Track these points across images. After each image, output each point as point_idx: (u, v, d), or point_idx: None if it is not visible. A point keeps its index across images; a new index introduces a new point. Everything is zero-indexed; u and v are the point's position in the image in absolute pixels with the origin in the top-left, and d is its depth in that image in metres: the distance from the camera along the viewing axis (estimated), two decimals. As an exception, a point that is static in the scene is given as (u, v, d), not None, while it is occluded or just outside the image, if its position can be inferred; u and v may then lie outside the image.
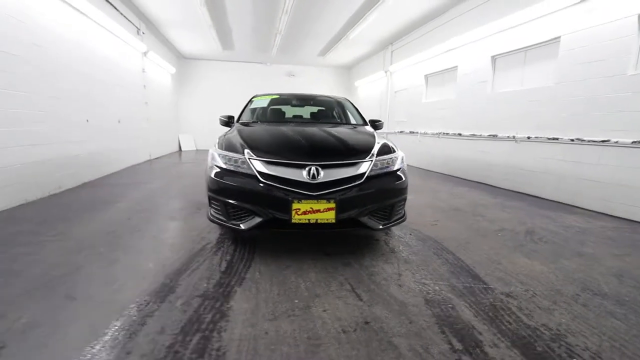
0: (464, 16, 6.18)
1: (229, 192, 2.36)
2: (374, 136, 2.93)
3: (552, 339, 1.54)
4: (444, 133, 7.00)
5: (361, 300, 1.87)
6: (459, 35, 6.26)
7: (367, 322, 1.65)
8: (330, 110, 4.11)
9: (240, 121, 3.65)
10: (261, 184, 2.29)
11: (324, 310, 1.75)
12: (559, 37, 4.49)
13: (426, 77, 7.87)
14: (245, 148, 2.50)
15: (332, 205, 2.23)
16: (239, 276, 2.11)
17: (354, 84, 12.24)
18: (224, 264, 2.28)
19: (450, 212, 3.89)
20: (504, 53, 5.50)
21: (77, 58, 4.79)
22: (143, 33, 7.21)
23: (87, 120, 5.06)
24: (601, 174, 3.99)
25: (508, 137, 5.32)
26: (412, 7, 6.59)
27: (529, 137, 4.95)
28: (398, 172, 2.58)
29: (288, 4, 6.26)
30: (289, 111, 4.10)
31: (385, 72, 9.68)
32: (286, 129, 3.00)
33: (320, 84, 12.73)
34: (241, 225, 2.33)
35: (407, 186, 2.61)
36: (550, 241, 2.92)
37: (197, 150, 11.68)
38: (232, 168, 2.44)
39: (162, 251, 2.47)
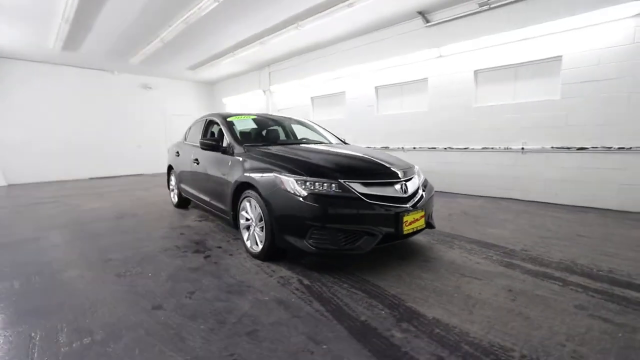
0: (350, 51, 7.56)
1: (338, 217, 2.33)
2: None
3: (572, 264, 2.66)
4: (338, 147, 8.19)
5: (479, 279, 2.43)
6: (346, 67, 7.61)
7: (510, 290, 2.25)
8: (313, 131, 4.26)
9: (244, 144, 3.27)
10: (368, 205, 2.40)
11: (479, 293, 2.20)
12: (427, 78, 6.48)
13: (312, 98, 8.90)
14: (334, 172, 2.50)
15: (423, 213, 2.66)
16: (383, 293, 2.18)
17: (222, 100, 11.82)
18: (360, 293, 2.23)
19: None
20: (385, 85, 7.21)
21: None
22: None
23: None
24: (465, 170, 6.11)
25: (398, 148, 7.02)
26: (303, 39, 7.39)
27: (414, 147, 6.77)
28: (428, 182, 3.25)
29: (192, 15, 5.67)
30: (281, 133, 3.98)
31: (264, 91, 10.06)
32: (335, 150, 3.15)
33: (180, 99, 11.50)
34: (359, 248, 2.36)
35: None
36: (480, 216, 4.39)
37: (9, 185, 7.89)
38: (325, 193, 2.39)
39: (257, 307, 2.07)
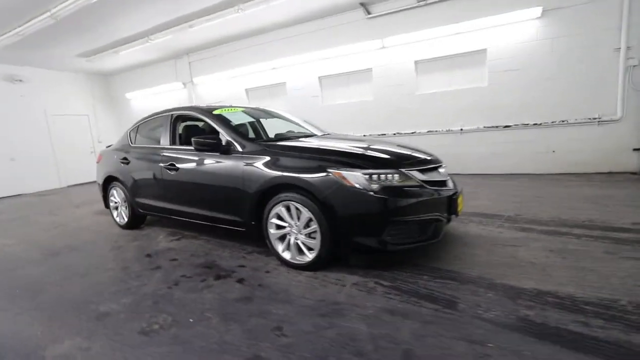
0: (290, 40, 7.23)
1: (412, 208, 2.22)
2: None
3: (562, 220, 3.21)
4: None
5: (518, 246, 2.69)
6: (286, 56, 7.28)
7: (551, 250, 2.55)
8: (295, 124, 3.89)
9: (258, 141, 2.79)
10: (431, 191, 2.36)
11: (535, 258, 2.43)
12: (371, 68, 6.73)
13: (247, 90, 8.23)
14: (392, 162, 2.35)
15: (462, 193, 2.76)
16: (468, 277, 2.20)
17: (125, 95, 9.81)
18: (450, 282, 2.17)
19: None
20: (329, 75, 7.18)
21: None
22: None
23: None
24: (413, 153, 6.67)
25: (348, 137, 7.16)
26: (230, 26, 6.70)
27: (364, 135, 7.01)
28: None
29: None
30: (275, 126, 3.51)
31: (185, 83, 8.81)
32: (361, 139, 2.98)
33: (66, 95, 9.06)
34: (434, 236, 2.31)
35: None
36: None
37: None
38: (394, 184, 2.25)
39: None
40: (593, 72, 5.18)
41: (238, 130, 2.93)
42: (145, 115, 4.10)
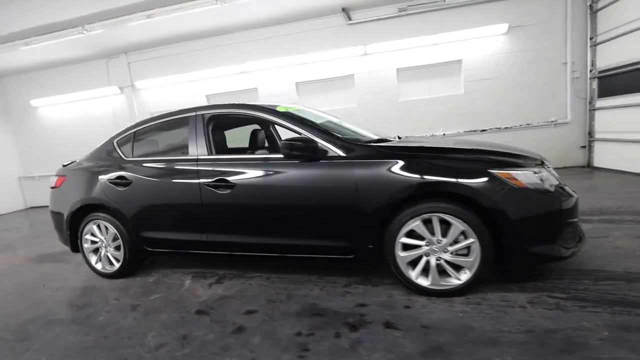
0: (264, 42, 6.58)
1: (574, 208, 2.04)
2: None
3: (604, 209, 3.50)
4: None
5: (603, 237, 2.78)
6: (259, 59, 6.61)
7: (637, 237, 2.68)
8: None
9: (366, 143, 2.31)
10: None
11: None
12: (353, 74, 6.59)
13: (209, 97, 7.17)
14: (537, 159, 2.15)
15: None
16: (620, 275, 2.11)
17: (30, 103, 7.47)
18: (617, 282, 2.02)
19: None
20: (308, 81, 6.78)
21: None
22: None
23: None
24: (398, 158, 6.73)
25: (331, 146, 6.83)
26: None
27: (349, 144, 6.79)
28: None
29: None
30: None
31: (122, 88, 7.21)
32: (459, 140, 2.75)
33: None
34: (584, 238, 2.17)
35: None
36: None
37: None
38: (555, 183, 2.05)
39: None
40: (548, 82, 6.04)
41: (330, 132, 2.33)
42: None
